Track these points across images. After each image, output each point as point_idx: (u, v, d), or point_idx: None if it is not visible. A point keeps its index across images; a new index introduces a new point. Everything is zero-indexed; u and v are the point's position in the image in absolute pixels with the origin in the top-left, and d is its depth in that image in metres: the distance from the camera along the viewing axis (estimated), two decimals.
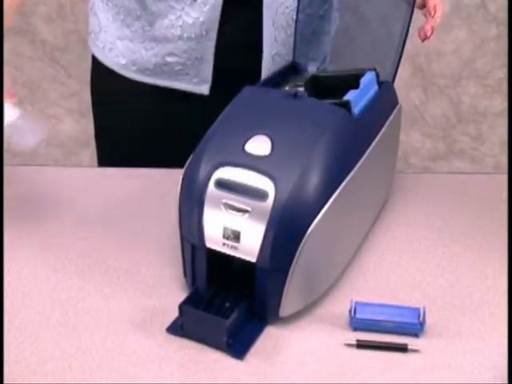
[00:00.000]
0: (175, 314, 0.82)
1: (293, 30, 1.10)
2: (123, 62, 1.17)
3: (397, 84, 1.00)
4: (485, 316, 0.86)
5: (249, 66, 1.12)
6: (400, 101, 1.01)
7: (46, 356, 0.79)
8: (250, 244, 0.79)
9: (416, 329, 0.82)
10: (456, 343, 0.82)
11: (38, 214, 1.02)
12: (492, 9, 2.05)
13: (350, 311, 0.83)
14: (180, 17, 1.08)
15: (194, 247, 0.84)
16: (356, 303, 0.83)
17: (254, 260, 0.80)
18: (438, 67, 2.14)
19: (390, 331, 0.82)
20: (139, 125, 1.22)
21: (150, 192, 1.07)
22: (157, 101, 1.20)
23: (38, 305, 0.86)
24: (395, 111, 0.98)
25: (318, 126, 0.83)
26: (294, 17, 1.08)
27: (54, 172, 1.12)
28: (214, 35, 1.09)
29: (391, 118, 0.96)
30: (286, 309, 0.83)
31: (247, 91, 0.90)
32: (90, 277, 0.91)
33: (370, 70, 0.94)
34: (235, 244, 0.80)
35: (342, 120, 0.85)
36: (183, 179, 0.84)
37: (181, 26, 1.09)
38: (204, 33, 1.09)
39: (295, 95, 0.87)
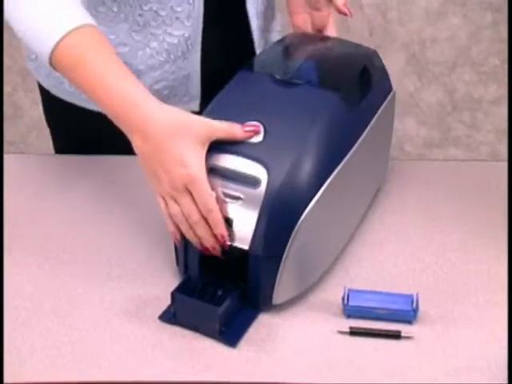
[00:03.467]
0: (167, 301, 0.82)
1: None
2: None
3: (391, 71, 1.00)
4: (479, 303, 0.85)
5: (236, 65, 1.06)
6: (394, 88, 1.00)
7: (38, 344, 0.79)
8: (242, 231, 0.79)
9: (409, 316, 0.81)
10: (449, 330, 0.82)
11: (31, 203, 1.01)
12: None
13: (344, 298, 0.82)
14: (164, 40, 1.03)
15: None
16: (349, 290, 0.83)
17: (246, 247, 0.79)
18: (432, 54, 2.13)
19: (383, 318, 0.82)
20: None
21: (140, 180, 1.06)
22: None
23: (31, 293, 0.86)
24: (389, 98, 0.98)
25: (311, 113, 0.83)
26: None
27: (47, 160, 1.12)
28: (198, 47, 1.05)
29: (385, 104, 0.96)
30: (279, 296, 0.82)
31: (241, 77, 0.90)
32: (82, 265, 0.90)
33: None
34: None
35: (336, 106, 0.84)
36: None
37: (166, 50, 1.03)
38: (190, 47, 1.04)
39: (288, 82, 0.86)
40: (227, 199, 0.79)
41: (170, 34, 1.02)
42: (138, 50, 1.04)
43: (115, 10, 1.00)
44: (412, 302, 0.82)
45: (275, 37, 1.16)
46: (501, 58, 2.12)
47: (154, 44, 1.03)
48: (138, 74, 1.06)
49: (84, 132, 1.15)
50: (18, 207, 1.00)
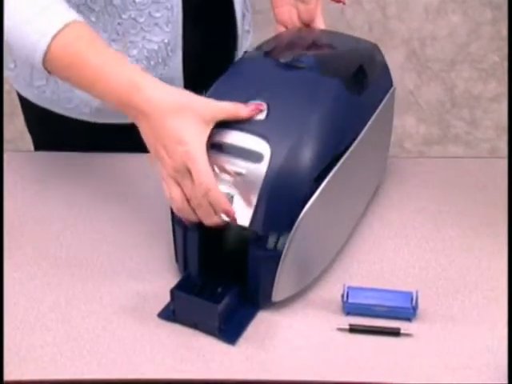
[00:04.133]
0: (167, 299, 0.82)
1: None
2: (86, 110, 1.09)
3: (390, 68, 1.00)
4: (478, 300, 0.85)
5: (219, 70, 1.06)
6: (394, 85, 1.00)
7: (37, 342, 0.79)
8: (243, 208, 0.78)
9: (408, 313, 0.81)
10: (449, 327, 0.82)
11: (29, 200, 1.01)
12: None
13: (343, 296, 0.82)
14: (143, 47, 1.01)
15: (185, 232, 0.83)
16: (348, 288, 0.83)
17: (246, 224, 0.78)
18: (432, 51, 2.12)
19: (382, 316, 0.82)
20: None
21: (140, 178, 1.06)
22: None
23: (29, 291, 0.86)
24: (389, 94, 0.97)
25: (314, 95, 0.83)
26: None
27: (45, 158, 1.11)
28: (179, 52, 1.04)
29: (386, 99, 0.96)
30: (278, 294, 0.82)
31: (242, 60, 0.89)
32: (81, 263, 0.90)
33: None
34: None
35: (339, 91, 0.84)
36: None
37: (147, 57, 1.02)
38: (170, 53, 1.03)
39: (292, 65, 0.86)
40: (229, 175, 0.78)
41: (150, 41, 1.01)
42: None
43: (93, 19, 0.98)
44: (411, 299, 0.82)
45: (245, 37, 1.16)
46: (500, 55, 2.12)
47: (134, 52, 1.02)
48: None
49: (65, 140, 1.14)
50: (17, 205, 1.00)
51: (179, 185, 0.78)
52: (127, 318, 0.82)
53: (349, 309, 0.82)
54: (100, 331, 0.80)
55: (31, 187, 1.04)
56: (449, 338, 0.80)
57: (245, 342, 0.80)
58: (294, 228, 0.78)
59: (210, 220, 0.79)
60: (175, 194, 0.78)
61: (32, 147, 1.24)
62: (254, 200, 0.77)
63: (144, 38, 1.00)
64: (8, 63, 1.12)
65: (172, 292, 0.80)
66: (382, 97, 0.95)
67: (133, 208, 1.00)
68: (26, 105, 1.16)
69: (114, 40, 1.00)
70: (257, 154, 0.78)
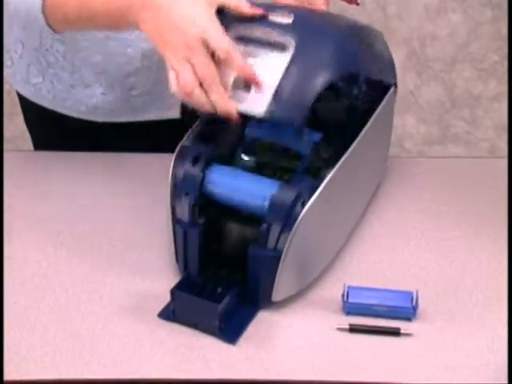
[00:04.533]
0: (167, 299, 0.82)
1: None
2: (83, 108, 1.09)
3: None
4: (478, 300, 0.85)
5: None
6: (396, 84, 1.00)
7: (37, 341, 0.79)
8: (260, 94, 0.76)
9: (409, 313, 0.81)
10: (449, 327, 0.82)
11: (29, 200, 1.01)
12: None
13: (343, 295, 0.82)
14: (139, 45, 1.01)
15: (185, 232, 0.83)
16: (349, 287, 0.83)
17: (261, 113, 0.76)
18: (432, 51, 2.13)
19: (382, 315, 0.82)
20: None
21: (140, 176, 1.06)
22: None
23: (29, 290, 0.86)
24: (390, 92, 0.98)
25: (338, 26, 0.84)
26: None
27: (45, 157, 1.11)
28: None
29: (386, 98, 0.95)
30: (278, 293, 0.82)
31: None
32: (81, 262, 0.90)
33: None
34: (245, 95, 0.76)
35: (356, 40, 0.86)
36: None
37: (142, 56, 1.02)
38: None
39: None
40: (251, 61, 0.77)
41: (145, 39, 1.00)
42: (112, 57, 1.02)
43: None
44: (411, 299, 0.82)
45: None
46: (500, 55, 2.12)
47: (129, 50, 1.02)
48: (114, 80, 1.05)
49: (64, 140, 1.14)
50: (17, 205, 1.00)
51: (192, 66, 0.75)
52: (127, 317, 0.82)
53: (349, 308, 0.82)
54: (100, 331, 0.80)
55: (31, 187, 1.04)
56: (449, 338, 0.80)
57: (245, 341, 0.80)
58: (295, 227, 0.78)
59: (223, 104, 0.75)
60: (187, 75, 0.75)
61: (32, 147, 1.24)
62: (273, 88, 0.75)
63: (139, 36, 1.00)
64: (6, 60, 1.12)
65: (172, 292, 0.80)
66: (387, 83, 0.95)
67: (133, 208, 1.00)
68: (25, 104, 1.16)
69: (108, 37, 1.01)
70: (281, 45, 0.77)
